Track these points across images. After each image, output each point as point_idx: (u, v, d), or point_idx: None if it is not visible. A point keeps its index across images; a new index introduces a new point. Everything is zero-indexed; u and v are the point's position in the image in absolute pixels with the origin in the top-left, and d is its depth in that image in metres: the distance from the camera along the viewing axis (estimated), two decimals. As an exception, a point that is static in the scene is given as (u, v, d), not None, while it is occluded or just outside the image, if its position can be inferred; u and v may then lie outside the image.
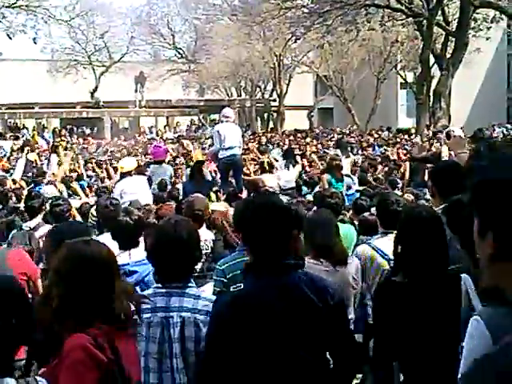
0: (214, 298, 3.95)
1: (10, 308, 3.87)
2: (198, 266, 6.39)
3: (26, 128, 36.82)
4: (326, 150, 16.94)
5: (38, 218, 7.87)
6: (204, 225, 6.63)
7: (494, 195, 1.73)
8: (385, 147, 23.55)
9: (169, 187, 12.59)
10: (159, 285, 3.77)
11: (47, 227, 6.93)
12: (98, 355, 2.88)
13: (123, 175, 11.82)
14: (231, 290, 3.40)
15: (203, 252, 6.35)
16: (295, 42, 33.87)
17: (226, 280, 4.93)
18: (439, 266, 3.76)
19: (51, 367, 3.00)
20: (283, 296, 3.28)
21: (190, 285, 3.79)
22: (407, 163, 14.93)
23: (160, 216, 7.02)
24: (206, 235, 6.42)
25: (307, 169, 16.29)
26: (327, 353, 3.48)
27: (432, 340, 3.67)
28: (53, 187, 12.62)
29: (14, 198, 11.28)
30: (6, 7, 28.01)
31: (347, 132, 32.42)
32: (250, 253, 3.45)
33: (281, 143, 25.31)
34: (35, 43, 31.83)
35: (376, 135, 29.14)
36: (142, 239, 5.37)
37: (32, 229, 7.50)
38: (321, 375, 3.35)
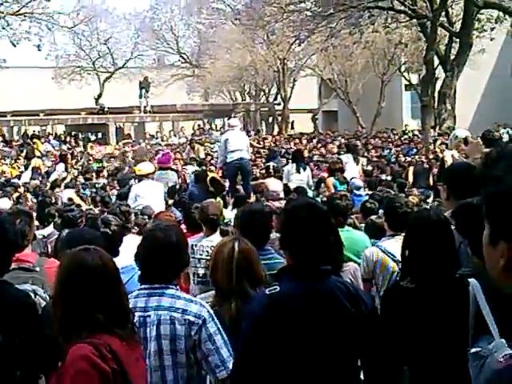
0: (202, 302, 3.97)
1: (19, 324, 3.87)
2: (202, 272, 6.43)
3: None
4: (338, 156, 16.86)
5: (51, 227, 7.90)
6: (218, 231, 6.61)
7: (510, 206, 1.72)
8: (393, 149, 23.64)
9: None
10: (143, 286, 3.81)
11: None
12: (101, 365, 2.89)
13: (140, 178, 12.01)
14: (266, 291, 3.40)
15: (207, 258, 6.38)
16: (299, 45, 33.85)
17: None
18: (447, 270, 3.73)
19: (55, 378, 3.01)
20: (318, 300, 3.33)
21: (170, 286, 3.82)
22: (411, 167, 14.97)
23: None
24: (216, 240, 6.40)
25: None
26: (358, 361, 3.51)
27: (440, 345, 3.65)
28: (72, 191, 12.72)
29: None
30: (10, 15, 28.07)
31: (353, 135, 32.40)
32: (287, 256, 3.51)
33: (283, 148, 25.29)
34: (39, 50, 31.88)
35: (383, 137, 29.15)
36: (123, 248, 5.34)
37: (46, 237, 7.51)
38: (351, 379, 3.39)
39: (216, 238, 6.43)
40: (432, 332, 3.67)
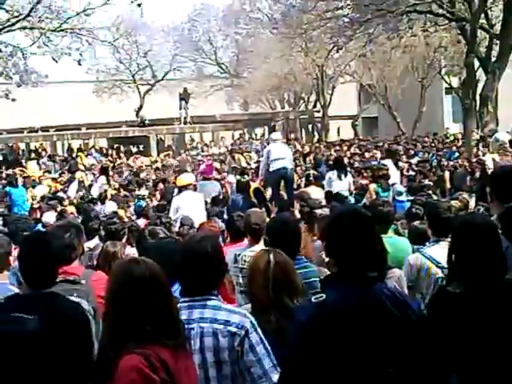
0: (245, 312, 3.95)
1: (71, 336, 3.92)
2: (241, 281, 6.40)
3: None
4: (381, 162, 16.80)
5: (96, 239, 7.98)
6: (262, 240, 6.58)
7: None
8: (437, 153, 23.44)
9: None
10: (185, 299, 3.78)
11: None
12: (151, 376, 2.90)
13: (180, 189, 12.10)
14: (313, 299, 3.37)
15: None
16: (337, 51, 33.72)
17: None
18: (495, 274, 3.67)
19: None
20: (365, 308, 3.28)
21: (212, 297, 3.80)
22: (446, 172, 14.88)
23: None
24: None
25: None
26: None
27: (489, 351, 3.59)
28: (114, 204, 12.85)
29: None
30: (51, 31, 28.44)
31: (393, 140, 32.18)
32: (334, 264, 3.47)
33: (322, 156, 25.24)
34: (80, 65, 32.20)
35: (425, 142, 28.90)
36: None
37: (91, 249, 7.59)
38: None
39: (259, 248, 6.41)
40: (481, 337, 3.61)
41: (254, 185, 13.35)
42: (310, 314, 3.31)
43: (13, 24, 26.15)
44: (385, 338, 3.28)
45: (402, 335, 3.30)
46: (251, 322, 3.76)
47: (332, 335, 3.24)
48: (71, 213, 12.73)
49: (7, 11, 26.22)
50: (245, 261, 6.43)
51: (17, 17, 26.37)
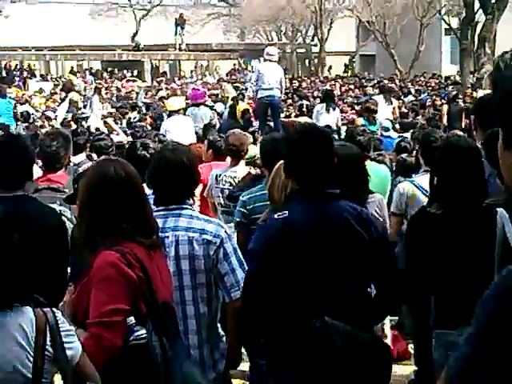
0: (219, 221, 4.00)
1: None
2: (222, 201, 6.46)
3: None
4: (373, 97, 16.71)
5: (83, 155, 7.96)
6: (242, 161, 6.58)
7: None
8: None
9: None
10: (159, 208, 3.76)
11: (90, 164, 6.97)
12: (129, 272, 2.93)
13: (170, 113, 12.06)
14: (276, 216, 3.42)
15: (229, 188, 6.41)
16: (338, -16, 33.28)
17: (245, 210, 5.04)
18: (475, 198, 3.72)
19: (81, 284, 3.05)
20: (328, 223, 3.34)
21: (186, 206, 3.79)
22: (445, 107, 14.80)
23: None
24: (240, 171, 6.42)
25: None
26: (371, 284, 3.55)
27: (465, 273, 3.66)
28: (98, 119, 12.82)
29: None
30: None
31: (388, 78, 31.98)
32: (294, 181, 3.51)
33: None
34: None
35: (421, 81, 28.74)
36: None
37: (76, 165, 7.59)
38: (361, 305, 3.41)
39: (240, 169, 6.44)
40: (458, 259, 3.68)
41: (242, 106, 13.26)
42: (274, 229, 3.38)
43: None
44: (343, 251, 3.34)
45: (362, 251, 3.35)
46: (226, 231, 3.79)
47: (291, 246, 3.30)
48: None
49: None
50: (225, 181, 6.48)
51: None
